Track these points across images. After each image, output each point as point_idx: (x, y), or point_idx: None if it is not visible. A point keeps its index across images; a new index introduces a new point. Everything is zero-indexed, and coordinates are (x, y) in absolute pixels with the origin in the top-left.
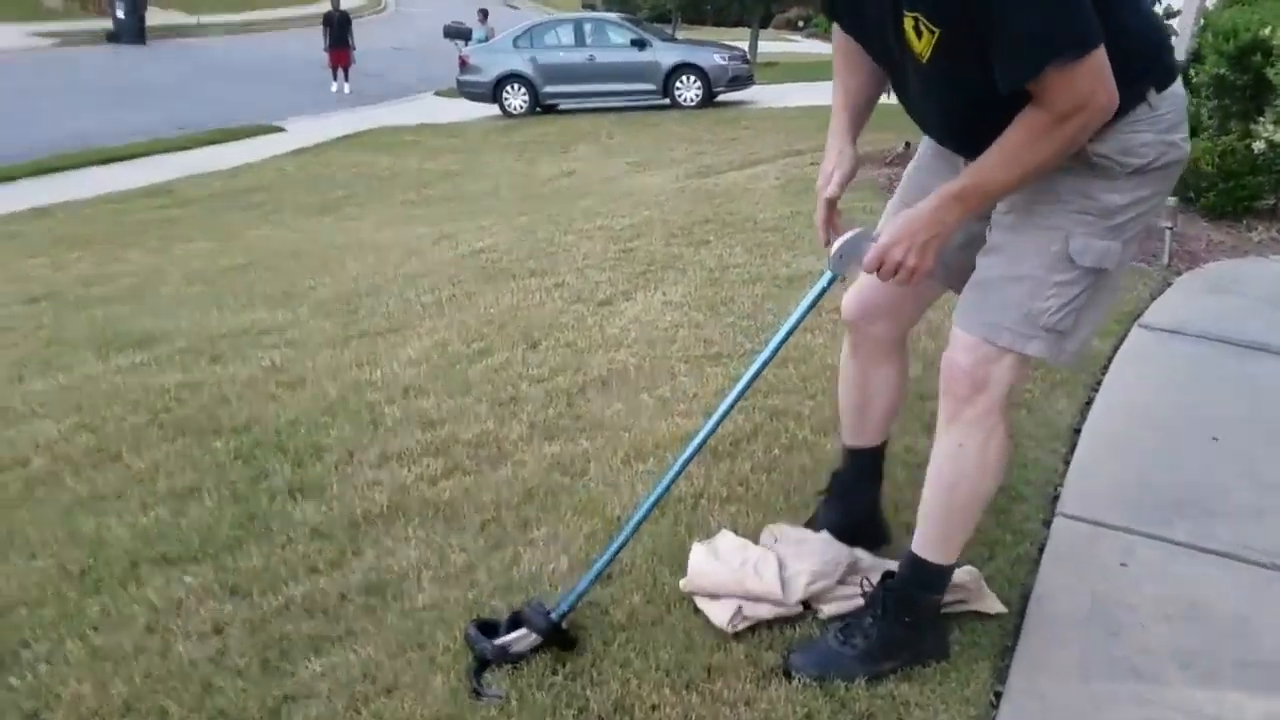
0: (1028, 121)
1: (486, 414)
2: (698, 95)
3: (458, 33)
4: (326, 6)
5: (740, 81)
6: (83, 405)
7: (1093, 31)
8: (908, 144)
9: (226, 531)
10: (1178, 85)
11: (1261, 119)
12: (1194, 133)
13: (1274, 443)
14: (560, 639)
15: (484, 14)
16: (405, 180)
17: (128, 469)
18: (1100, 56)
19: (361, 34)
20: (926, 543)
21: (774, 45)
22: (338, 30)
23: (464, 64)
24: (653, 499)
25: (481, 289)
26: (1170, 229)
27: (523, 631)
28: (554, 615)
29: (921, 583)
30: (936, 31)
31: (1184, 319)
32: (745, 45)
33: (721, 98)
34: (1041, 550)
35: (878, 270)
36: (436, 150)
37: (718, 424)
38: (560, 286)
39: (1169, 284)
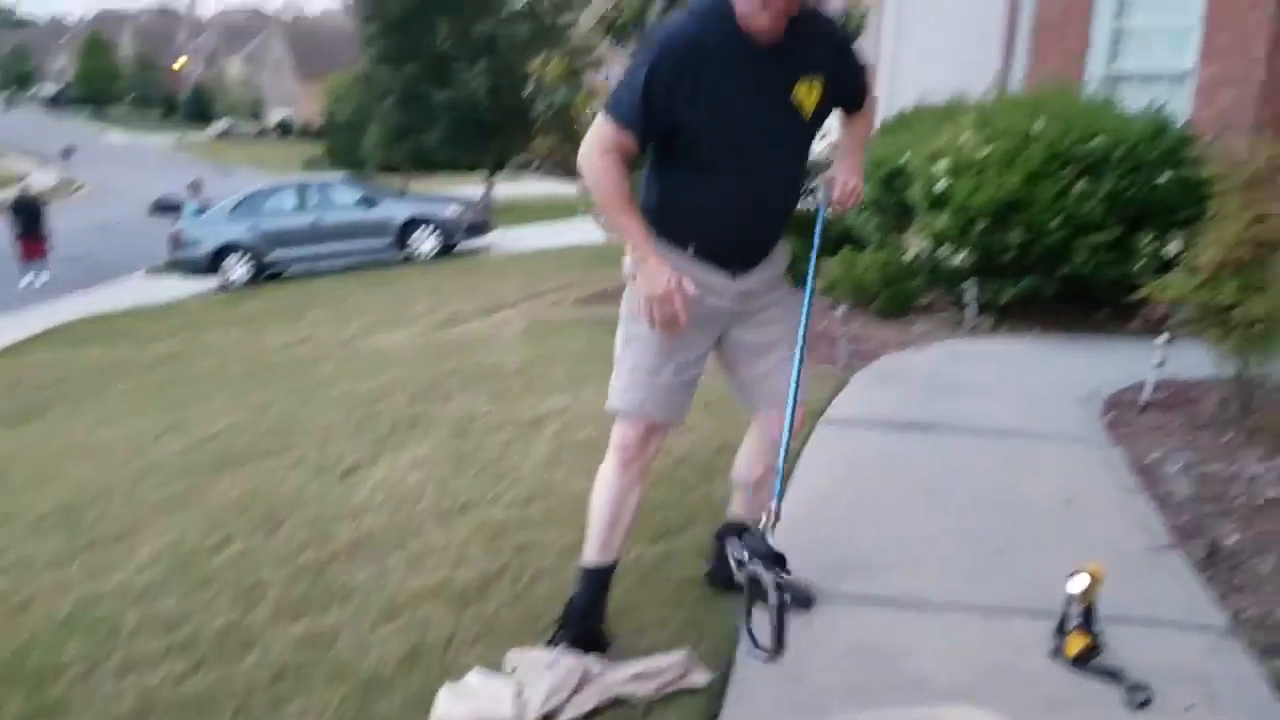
0: (865, 117)
1: (230, 604)
2: (434, 247)
3: (168, 206)
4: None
5: (477, 229)
6: None
7: None
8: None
9: None
10: None
11: (908, 232)
12: (862, 247)
13: (925, 505)
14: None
15: (196, 186)
16: (121, 370)
17: None
18: None
19: (59, 216)
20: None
21: (512, 188)
22: (28, 219)
23: (177, 239)
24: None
25: (217, 477)
26: (843, 334)
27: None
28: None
29: None
30: (822, 83)
31: (858, 411)
32: (481, 191)
33: (461, 246)
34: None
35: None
36: (153, 334)
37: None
38: (301, 462)
39: (847, 382)
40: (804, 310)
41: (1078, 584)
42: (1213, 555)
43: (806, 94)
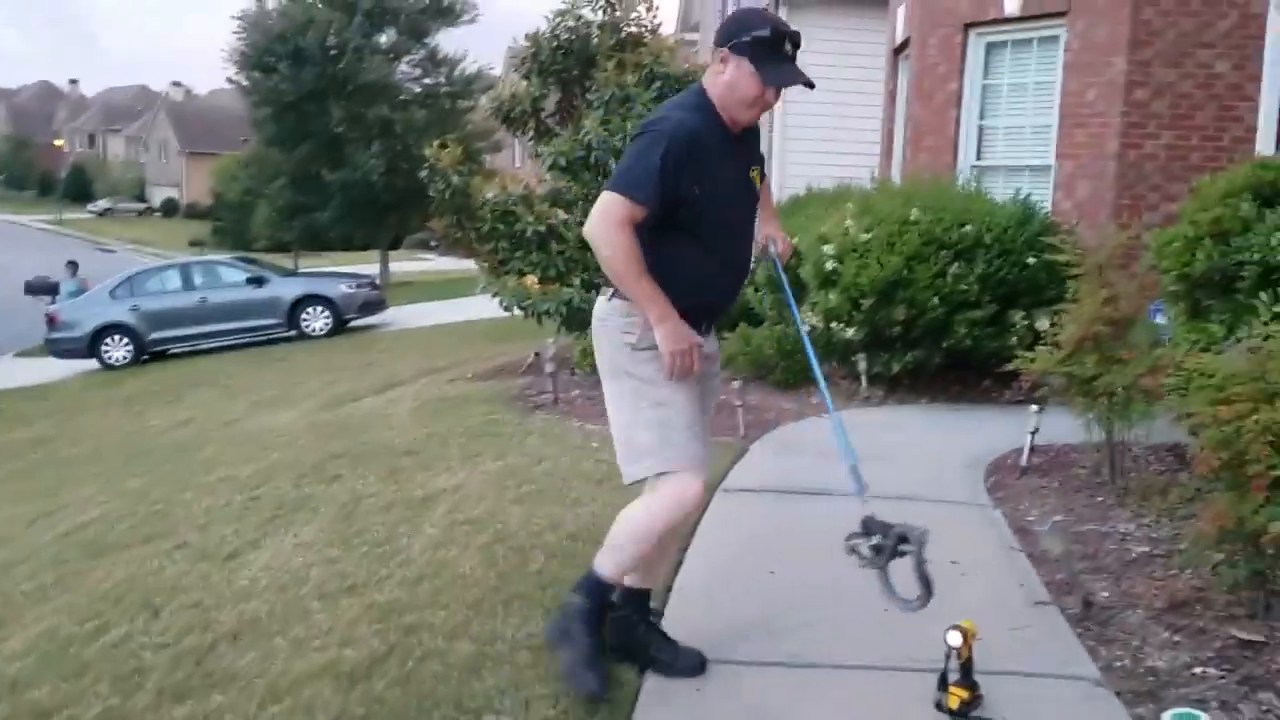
0: (768, 190)
1: (108, 691)
2: (327, 324)
3: (42, 288)
4: None
5: (371, 307)
6: None
7: None
8: (537, 354)
9: None
10: None
11: (803, 307)
12: (758, 322)
13: (819, 569)
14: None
15: (73, 266)
16: None
17: None
18: None
19: None
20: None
21: (409, 265)
22: None
23: (53, 321)
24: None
25: (92, 565)
26: (741, 406)
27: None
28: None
29: None
30: (760, 165)
31: (757, 479)
32: (377, 269)
33: (355, 324)
34: (638, 693)
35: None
36: (23, 417)
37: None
38: (181, 548)
39: (745, 451)
40: (807, 349)
41: (953, 640)
42: (1087, 609)
43: (756, 174)
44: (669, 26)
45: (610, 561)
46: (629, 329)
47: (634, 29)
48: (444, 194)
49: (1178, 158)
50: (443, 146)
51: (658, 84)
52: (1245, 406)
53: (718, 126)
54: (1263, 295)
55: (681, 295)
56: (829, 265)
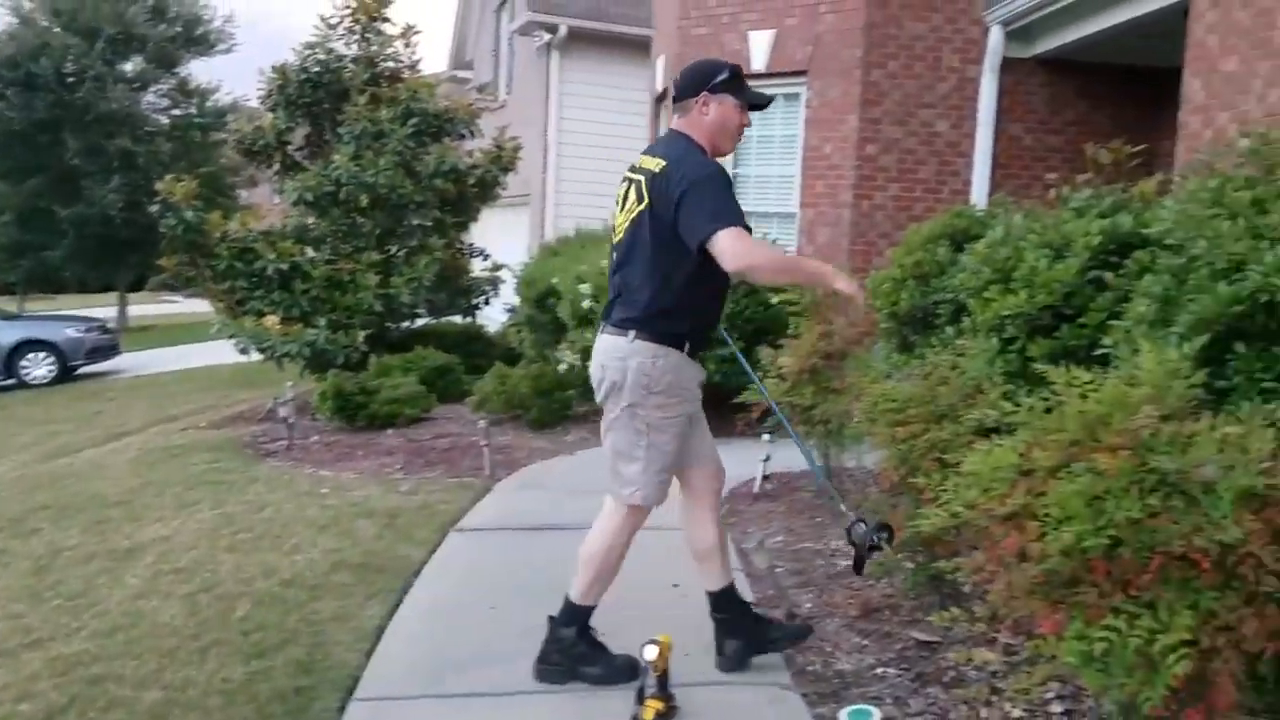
0: None
1: None
2: (51, 372)
3: None
4: None
5: (102, 352)
6: None
7: None
8: (275, 399)
9: None
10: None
11: (560, 346)
12: (515, 362)
13: (542, 600)
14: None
15: None
16: None
17: None
18: None
19: None
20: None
21: (151, 308)
22: None
23: None
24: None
25: None
26: (486, 445)
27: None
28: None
29: None
30: None
31: (494, 517)
32: (114, 311)
33: (85, 371)
34: None
35: None
36: None
37: None
38: None
39: (488, 490)
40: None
41: (649, 654)
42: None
43: None
44: (440, 64)
45: (590, 584)
46: (647, 371)
47: (391, 64)
48: (176, 230)
49: (903, 208)
50: (177, 180)
51: (415, 120)
52: (918, 427)
53: None
54: (948, 330)
55: (707, 322)
56: (586, 304)
